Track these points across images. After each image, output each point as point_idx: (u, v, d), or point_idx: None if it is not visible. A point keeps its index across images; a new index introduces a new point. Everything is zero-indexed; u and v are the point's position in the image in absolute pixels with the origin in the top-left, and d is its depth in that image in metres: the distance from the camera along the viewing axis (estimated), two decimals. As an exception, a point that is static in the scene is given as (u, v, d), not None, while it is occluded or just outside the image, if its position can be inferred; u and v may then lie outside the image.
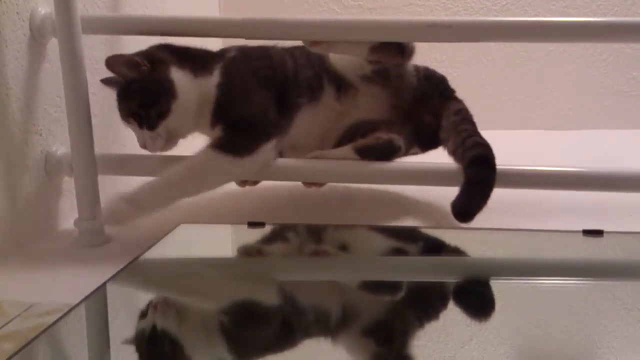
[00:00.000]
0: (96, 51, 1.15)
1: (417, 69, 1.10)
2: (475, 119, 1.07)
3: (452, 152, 1.01)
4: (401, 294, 0.86)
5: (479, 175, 0.95)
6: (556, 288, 0.84)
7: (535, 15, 0.92)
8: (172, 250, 0.97)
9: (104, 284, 0.81)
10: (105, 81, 1.04)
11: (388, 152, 0.99)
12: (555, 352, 0.66)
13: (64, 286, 0.85)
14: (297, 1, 1.91)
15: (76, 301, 0.76)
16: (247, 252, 1.00)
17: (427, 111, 1.08)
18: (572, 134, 1.78)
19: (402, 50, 1.02)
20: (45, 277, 0.88)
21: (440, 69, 1.13)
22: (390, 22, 0.96)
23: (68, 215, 1.07)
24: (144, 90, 0.97)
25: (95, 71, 1.11)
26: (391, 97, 1.08)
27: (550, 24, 0.93)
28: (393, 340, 0.73)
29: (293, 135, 1.05)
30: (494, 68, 1.89)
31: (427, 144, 1.07)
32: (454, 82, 1.14)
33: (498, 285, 0.86)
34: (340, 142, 1.05)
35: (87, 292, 0.78)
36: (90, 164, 0.99)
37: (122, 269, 0.85)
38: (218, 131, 0.98)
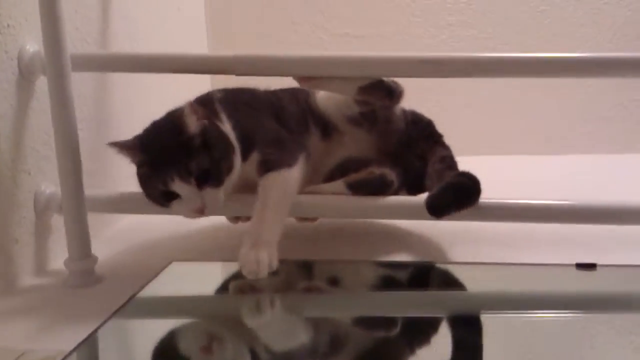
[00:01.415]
0: (85, 88, 1.14)
1: (404, 113, 1.10)
2: (458, 145, 1.08)
3: None
4: (396, 330, 0.86)
5: (462, 182, 0.96)
6: (549, 321, 0.84)
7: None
8: (165, 290, 0.96)
9: (96, 330, 0.79)
10: (121, 146, 0.95)
11: (380, 187, 0.99)
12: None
13: (56, 331, 0.84)
14: (284, 33, 1.93)
15: (69, 348, 0.74)
16: (240, 289, 0.99)
17: (414, 154, 1.08)
18: (558, 159, 1.80)
19: (391, 93, 1.03)
20: (36, 321, 0.87)
21: (425, 95, 1.13)
22: (381, 59, 0.96)
23: (58, 254, 1.05)
24: (210, 145, 0.93)
25: (85, 108, 1.10)
26: (378, 140, 1.08)
27: (542, 60, 0.94)
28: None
29: None
30: (478, 93, 1.91)
31: (415, 188, 1.06)
32: (436, 108, 1.15)
33: (490, 319, 0.86)
34: (331, 177, 1.06)
35: (80, 338, 0.77)
36: (79, 203, 0.98)
37: (114, 313, 0.84)
38: (256, 157, 0.98)
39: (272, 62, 0.97)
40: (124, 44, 1.29)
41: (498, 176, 1.41)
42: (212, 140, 0.93)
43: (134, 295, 0.90)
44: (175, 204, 0.93)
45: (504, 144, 1.87)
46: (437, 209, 0.93)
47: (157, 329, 0.87)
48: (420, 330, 0.84)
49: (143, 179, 0.94)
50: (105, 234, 1.19)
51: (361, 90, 1.01)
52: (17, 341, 0.80)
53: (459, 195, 0.95)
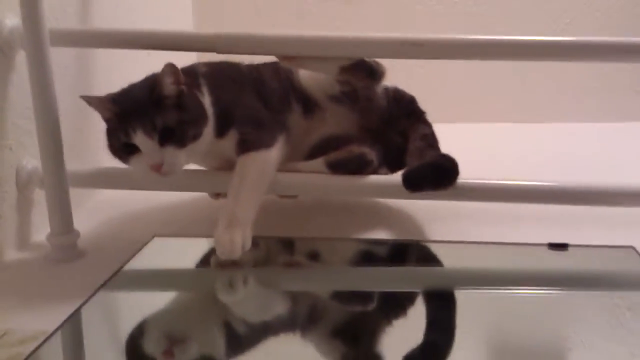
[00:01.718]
0: (65, 59, 1.13)
1: (386, 90, 1.10)
2: (443, 112, 1.09)
3: None
4: (373, 305, 0.89)
5: (441, 163, 0.98)
6: (521, 298, 0.87)
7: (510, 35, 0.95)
8: (148, 265, 0.97)
9: (79, 309, 0.81)
10: (92, 99, 0.94)
11: (360, 166, 1.00)
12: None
13: (39, 309, 0.85)
14: (273, 8, 1.90)
15: (52, 328, 0.76)
16: (221, 263, 1.01)
17: (395, 131, 1.09)
18: (543, 127, 1.82)
19: (373, 73, 1.04)
20: (19, 298, 0.89)
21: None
22: (362, 39, 0.97)
23: (41, 227, 1.06)
24: (183, 108, 0.92)
25: (65, 82, 1.09)
26: (359, 118, 1.09)
27: (517, 43, 0.95)
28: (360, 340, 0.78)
29: None
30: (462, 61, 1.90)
31: (396, 165, 1.07)
32: (423, 75, 1.14)
33: (465, 295, 0.89)
34: (312, 154, 1.07)
35: (64, 315, 0.78)
36: (60, 178, 0.98)
37: (97, 289, 0.86)
38: (233, 136, 0.99)
39: (253, 40, 0.97)
40: (108, 20, 1.28)
41: (483, 144, 1.44)
42: (185, 105, 0.93)
43: (117, 271, 0.91)
44: (134, 159, 0.92)
45: (486, 111, 1.88)
46: (413, 184, 0.95)
47: (141, 304, 0.89)
48: (397, 304, 0.87)
49: (109, 131, 0.94)
50: (86, 206, 1.19)
51: (342, 70, 1.01)
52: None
53: (436, 174, 0.96)
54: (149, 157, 0.90)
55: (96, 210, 1.20)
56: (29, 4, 0.91)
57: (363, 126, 1.09)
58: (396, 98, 1.11)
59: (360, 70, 1.02)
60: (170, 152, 0.91)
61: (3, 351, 0.73)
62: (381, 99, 1.08)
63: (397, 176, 1.01)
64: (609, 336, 0.75)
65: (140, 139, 0.90)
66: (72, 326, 0.79)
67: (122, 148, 0.92)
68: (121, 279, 0.91)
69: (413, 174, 0.96)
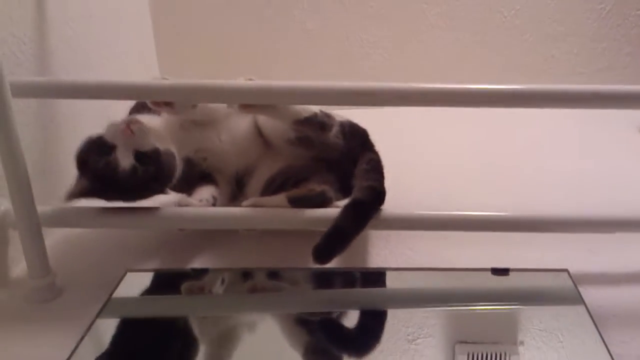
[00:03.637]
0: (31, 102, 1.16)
1: (342, 127, 1.14)
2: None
3: None
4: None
5: (346, 222, 1.03)
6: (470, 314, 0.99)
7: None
8: (127, 302, 1.03)
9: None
10: (73, 193, 1.03)
11: (320, 204, 1.07)
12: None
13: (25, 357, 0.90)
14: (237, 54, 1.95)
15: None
16: (191, 290, 1.07)
17: (349, 161, 1.15)
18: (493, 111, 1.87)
19: (323, 127, 1.11)
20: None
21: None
22: (313, 88, 0.99)
23: (19, 261, 1.10)
24: None
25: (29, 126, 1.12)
26: (317, 156, 1.15)
27: (471, 91, 1.01)
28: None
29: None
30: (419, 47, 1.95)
31: (347, 191, 1.12)
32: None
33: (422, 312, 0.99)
34: (269, 184, 1.15)
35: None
36: (34, 225, 1.01)
37: (81, 339, 0.90)
38: None
39: (208, 90, 1.00)
40: (73, 71, 1.30)
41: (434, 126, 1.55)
42: None
43: (99, 312, 0.96)
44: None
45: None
46: (321, 257, 1.00)
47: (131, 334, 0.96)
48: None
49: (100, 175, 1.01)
50: (53, 237, 1.19)
51: (295, 122, 1.09)
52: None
53: (339, 240, 1.03)
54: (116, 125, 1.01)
55: (64, 242, 1.21)
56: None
57: (319, 159, 1.16)
58: (352, 133, 1.16)
59: (311, 125, 1.09)
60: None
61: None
62: (337, 138, 1.13)
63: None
64: (545, 344, 0.88)
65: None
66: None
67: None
68: (105, 315, 0.96)
69: (320, 251, 1.01)
